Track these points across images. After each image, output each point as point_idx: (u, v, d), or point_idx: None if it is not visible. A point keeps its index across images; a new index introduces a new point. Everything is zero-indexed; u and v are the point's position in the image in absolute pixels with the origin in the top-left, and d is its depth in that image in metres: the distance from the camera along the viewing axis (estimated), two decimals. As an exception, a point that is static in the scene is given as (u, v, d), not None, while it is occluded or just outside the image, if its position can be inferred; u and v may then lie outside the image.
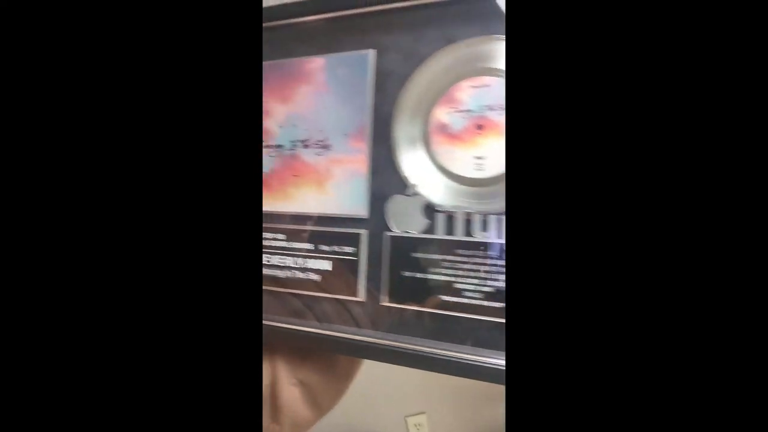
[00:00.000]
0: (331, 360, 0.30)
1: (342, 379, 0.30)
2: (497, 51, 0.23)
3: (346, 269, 0.25)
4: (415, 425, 0.62)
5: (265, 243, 0.27)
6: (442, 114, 0.24)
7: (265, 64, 0.27)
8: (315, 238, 0.26)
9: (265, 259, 0.27)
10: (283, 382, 0.29)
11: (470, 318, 0.22)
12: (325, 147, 0.26)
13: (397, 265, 0.24)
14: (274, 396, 0.30)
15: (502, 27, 0.22)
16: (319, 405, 0.30)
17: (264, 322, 0.27)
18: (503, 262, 0.22)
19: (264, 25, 0.27)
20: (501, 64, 0.23)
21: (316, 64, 0.26)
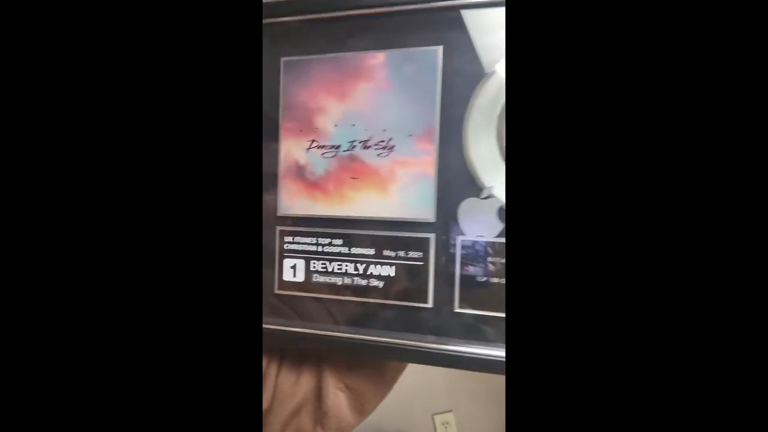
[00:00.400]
0: (379, 365, 0.29)
1: (389, 383, 0.30)
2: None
3: (411, 275, 0.25)
4: (443, 423, 0.63)
5: (321, 249, 0.26)
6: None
7: (319, 58, 0.26)
8: (377, 243, 0.25)
9: (321, 265, 0.26)
10: (329, 387, 0.29)
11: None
12: (389, 148, 0.25)
13: (470, 270, 0.23)
14: (320, 400, 0.29)
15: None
16: (364, 409, 0.30)
17: (313, 331, 0.26)
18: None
19: (316, 16, 0.26)
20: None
21: (377, 59, 0.25)
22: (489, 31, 0.23)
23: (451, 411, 0.61)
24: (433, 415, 0.62)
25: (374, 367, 0.29)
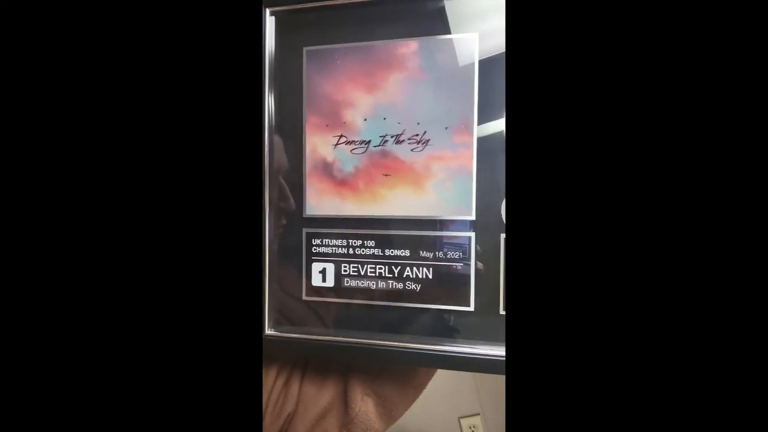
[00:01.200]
0: (409, 370, 0.28)
1: (418, 388, 0.29)
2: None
3: (450, 277, 0.23)
4: (470, 427, 0.62)
5: (353, 251, 0.24)
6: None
7: (345, 47, 0.24)
8: (413, 243, 0.24)
9: (354, 269, 0.25)
10: (356, 393, 0.28)
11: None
12: (423, 142, 0.23)
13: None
14: (346, 405, 0.28)
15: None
16: (392, 416, 0.29)
17: (343, 339, 0.25)
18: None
19: (340, 2, 0.24)
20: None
21: (409, 48, 0.23)
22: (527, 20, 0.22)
23: (478, 414, 0.61)
24: (459, 418, 0.61)
25: (403, 373, 0.28)
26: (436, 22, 0.23)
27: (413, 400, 0.29)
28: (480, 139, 0.22)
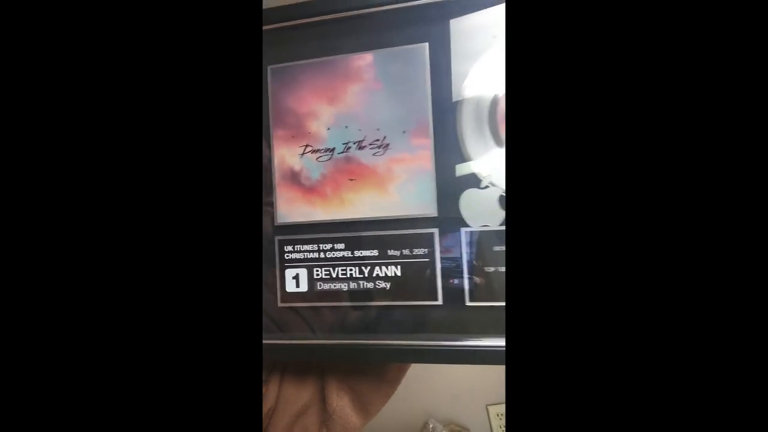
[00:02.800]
0: (381, 366, 0.29)
1: (392, 383, 0.29)
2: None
3: (418, 273, 0.24)
4: (497, 415, 0.61)
5: (324, 255, 0.25)
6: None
7: (306, 63, 0.26)
8: (381, 243, 0.25)
9: (325, 272, 0.25)
10: (332, 389, 0.29)
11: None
12: (384, 146, 0.24)
13: (481, 260, 0.23)
14: (324, 402, 0.29)
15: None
16: (368, 411, 0.30)
17: (319, 341, 0.25)
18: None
19: (299, 22, 0.26)
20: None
21: (365, 60, 0.25)
22: (471, 27, 0.23)
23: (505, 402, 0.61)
24: (487, 405, 0.60)
25: (376, 369, 0.29)
26: (389, 35, 0.25)
27: (389, 395, 0.30)
28: (436, 141, 0.24)
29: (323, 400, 0.29)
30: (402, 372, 0.29)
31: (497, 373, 0.65)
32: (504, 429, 0.57)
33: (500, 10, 0.23)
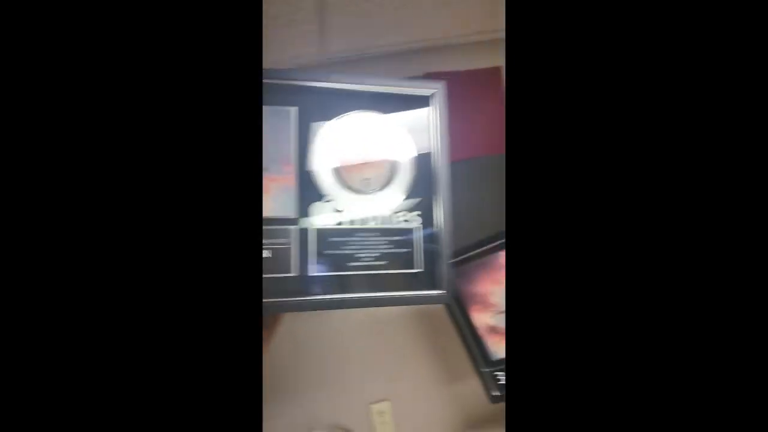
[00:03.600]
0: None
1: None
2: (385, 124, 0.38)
3: (281, 255, 0.37)
4: (379, 412, 0.58)
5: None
6: (343, 153, 0.38)
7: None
8: (266, 235, 0.37)
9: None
10: None
11: (369, 274, 0.37)
12: (264, 170, 0.37)
13: (321, 247, 0.37)
14: None
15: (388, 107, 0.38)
16: None
17: None
18: (385, 239, 0.37)
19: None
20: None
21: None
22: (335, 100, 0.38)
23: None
24: (369, 404, 0.61)
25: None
26: (270, 98, 0.38)
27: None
28: (298, 168, 0.37)
29: None
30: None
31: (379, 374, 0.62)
32: (385, 426, 0.60)
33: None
